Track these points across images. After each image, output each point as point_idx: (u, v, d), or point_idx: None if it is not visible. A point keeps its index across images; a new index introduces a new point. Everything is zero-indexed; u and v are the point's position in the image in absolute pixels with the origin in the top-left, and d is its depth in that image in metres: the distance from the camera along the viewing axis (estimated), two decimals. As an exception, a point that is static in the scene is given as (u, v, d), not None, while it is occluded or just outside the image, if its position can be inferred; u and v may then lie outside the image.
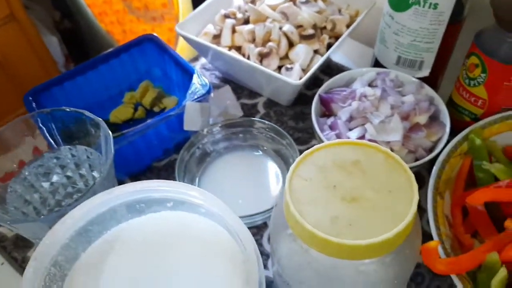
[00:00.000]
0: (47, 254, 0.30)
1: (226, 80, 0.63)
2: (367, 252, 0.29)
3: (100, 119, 0.41)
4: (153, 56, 0.59)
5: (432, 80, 0.55)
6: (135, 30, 1.18)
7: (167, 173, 0.54)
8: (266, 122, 0.52)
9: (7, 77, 0.97)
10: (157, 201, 0.34)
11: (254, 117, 0.59)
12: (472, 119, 0.52)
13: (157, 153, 0.54)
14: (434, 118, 0.49)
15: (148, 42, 0.58)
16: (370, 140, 0.46)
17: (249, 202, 0.49)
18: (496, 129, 0.48)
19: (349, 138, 0.47)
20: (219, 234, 0.34)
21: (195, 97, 0.50)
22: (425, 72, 0.54)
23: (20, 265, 0.47)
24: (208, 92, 0.51)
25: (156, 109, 0.60)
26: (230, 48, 0.58)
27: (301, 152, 0.38)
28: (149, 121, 0.48)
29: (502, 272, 0.37)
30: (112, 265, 0.33)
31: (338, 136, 0.47)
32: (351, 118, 0.48)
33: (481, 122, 0.48)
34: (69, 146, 0.44)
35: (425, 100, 0.50)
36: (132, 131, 0.47)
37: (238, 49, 0.58)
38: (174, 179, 0.53)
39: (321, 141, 0.48)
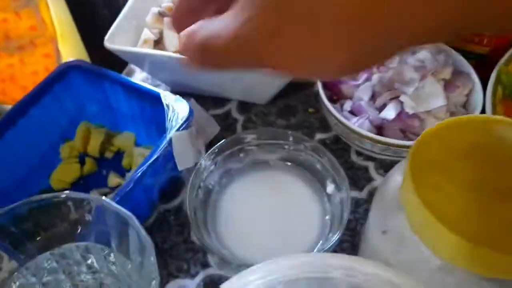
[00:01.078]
0: None
1: (177, 92, 0.50)
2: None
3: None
4: (84, 88, 0.44)
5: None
6: (-3, 68, 0.96)
7: (164, 233, 0.40)
8: (258, 129, 0.42)
9: None
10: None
11: (233, 128, 0.47)
12: (478, 61, 0.46)
13: (145, 212, 0.40)
14: (454, 70, 0.43)
15: (72, 71, 0.43)
16: (411, 115, 0.38)
17: (284, 236, 0.38)
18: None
19: (385, 119, 0.38)
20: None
21: (178, 125, 0.37)
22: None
23: None
24: (191, 113, 0.38)
25: (108, 154, 0.45)
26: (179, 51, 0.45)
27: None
28: (132, 174, 0.35)
29: None
30: None
31: (372, 121, 0.38)
32: (373, 96, 0.40)
33: (501, 61, 0.43)
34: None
35: (438, 52, 0.43)
36: (114, 197, 0.33)
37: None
38: (176, 237, 0.40)
39: (351, 132, 0.39)
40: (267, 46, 0.18)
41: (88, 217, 0.29)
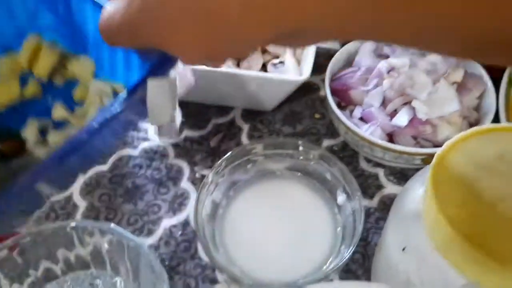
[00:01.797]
0: None
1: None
2: None
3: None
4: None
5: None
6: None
7: (170, 249, 0.39)
8: (264, 139, 0.40)
9: None
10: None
11: (238, 137, 0.46)
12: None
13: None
14: (465, 73, 0.41)
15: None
16: (424, 122, 0.37)
17: (294, 250, 0.37)
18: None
19: (397, 126, 0.37)
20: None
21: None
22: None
23: None
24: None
25: (58, 80, 0.37)
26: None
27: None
28: (87, 126, 0.26)
29: None
30: None
31: (384, 128, 0.37)
32: (384, 102, 0.38)
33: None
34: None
35: (448, 54, 0.41)
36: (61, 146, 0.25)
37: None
38: (183, 253, 0.38)
39: (362, 140, 0.37)
40: (151, 27, 0.19)
41: (98, 245, 0.28)
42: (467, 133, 0.26)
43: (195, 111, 0.48)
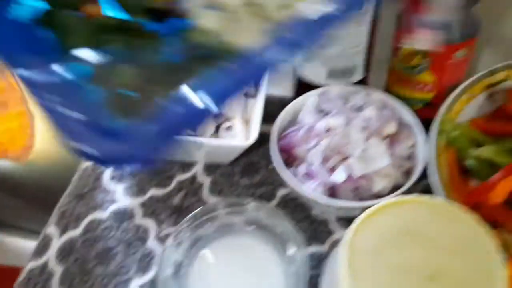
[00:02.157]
0: None
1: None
2: None
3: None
4: None
5: (363, 81, 0.51)
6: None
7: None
8: (221, 199, 0.44)
9: None
10: None
11: (200, 193, 0.50)
12: (424, 105, 0.49)
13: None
14: (399, 123, 0.45)
15: None
16: (360, 177, 0.40)
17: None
18: (456, 110, 0.46)
19: (335, 183, 0.41)
20: None
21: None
22: (359, 75, 0.50)
23: None
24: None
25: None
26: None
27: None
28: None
29: None
30: None
31: (324, 185, 0.41)
32: (324, 159, 0.42)
33: (442, 110, 0.46)
34: None
35: (383, 107, 0.45)
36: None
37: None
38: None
39: (304, 197, 0.41)
40: None
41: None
42: (374, 209, 0.29)
43: (159, 169, 0.51)
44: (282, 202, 0.48)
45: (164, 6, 0.36)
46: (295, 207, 0.47)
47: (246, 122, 0.47)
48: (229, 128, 0.45)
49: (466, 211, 0.29)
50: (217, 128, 0.47)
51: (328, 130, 0.43)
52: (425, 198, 0.30)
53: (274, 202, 0.48)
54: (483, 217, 0.40)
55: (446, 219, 0.29)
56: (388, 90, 0.51)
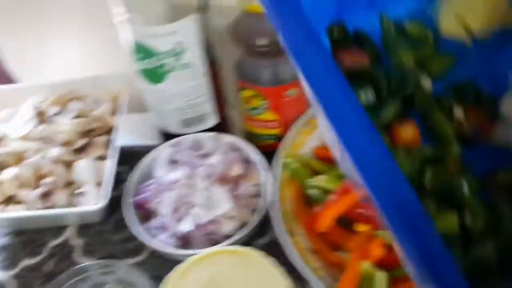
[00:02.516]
0: None
1: (16, 233, 0.53)
2: None
3: None
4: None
5: (221, 124, 0.55)
6: None
7: None
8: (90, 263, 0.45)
9: None
10: None
11: (73, 256, 0.50)
12: (275, 140, 0.53)
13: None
14: (246, 163, 0.49)
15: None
16: (208, 223, 0.43)
17: None
18: (300, 141, 0.50)
19: (185, 232, 0.43)
20: None
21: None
22: (213, 121, 0.53)
23: None
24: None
25: None
26: (4, 202, 0.48)
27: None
28: None
29: (381, 278, 0.38)
30: None
31: (175, 236, 0.43)
32: (174, 210, 0.44)
33: (283, 145, 0.49)
34: None
35: (231, 150, 0.49)
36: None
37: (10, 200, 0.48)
38: None
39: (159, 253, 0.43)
40: None
41: None
42: (189, 260, 0.32)
43: (30, 238, 0.52)
44: (151, 256, 0.49)
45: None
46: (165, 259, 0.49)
47: (99, 185, 0.49)
48: (81, 193, 0.47)
49: (264, 257, 0.32)
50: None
51: (175, 181, 0.45)
52: (232, 248, 0.33)
53: (143, 256, 0.49)
54: (327, 241, 0.44)
55: (247, 266, 0.31)
56: (245, 129, 0.54)
